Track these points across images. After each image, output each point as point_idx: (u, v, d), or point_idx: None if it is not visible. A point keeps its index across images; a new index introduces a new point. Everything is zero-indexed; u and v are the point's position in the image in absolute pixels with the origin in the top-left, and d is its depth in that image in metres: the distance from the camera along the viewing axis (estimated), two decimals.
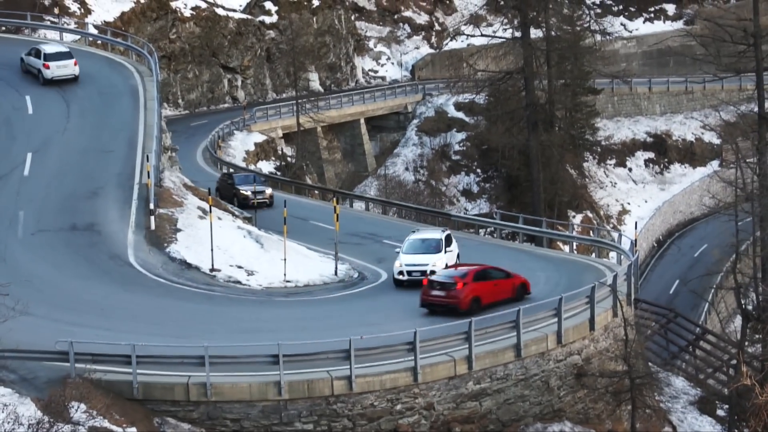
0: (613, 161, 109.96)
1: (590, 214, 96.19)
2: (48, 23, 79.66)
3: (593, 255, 58.73)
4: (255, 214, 59.21)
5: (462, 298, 42.37)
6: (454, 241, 50.26)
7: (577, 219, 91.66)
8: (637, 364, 41.74)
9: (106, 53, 72.52)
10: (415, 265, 47.74)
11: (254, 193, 64.91)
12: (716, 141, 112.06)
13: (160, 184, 52.35)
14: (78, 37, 77.13)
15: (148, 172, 50.34)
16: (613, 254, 56.71)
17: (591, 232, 70.17)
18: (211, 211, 49.26)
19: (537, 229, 62.75)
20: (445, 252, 48.57)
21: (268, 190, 67.27)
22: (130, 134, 56.65)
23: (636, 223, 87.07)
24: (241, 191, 65.84)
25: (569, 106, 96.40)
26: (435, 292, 42.87)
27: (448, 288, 42.67)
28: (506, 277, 44.44)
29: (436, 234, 49.81)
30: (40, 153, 54.10)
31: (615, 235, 61.58)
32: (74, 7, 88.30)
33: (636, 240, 60.17)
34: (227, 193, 66.45)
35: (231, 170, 76.44)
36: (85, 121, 58.48)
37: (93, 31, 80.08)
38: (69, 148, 55.15)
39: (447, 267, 46.43)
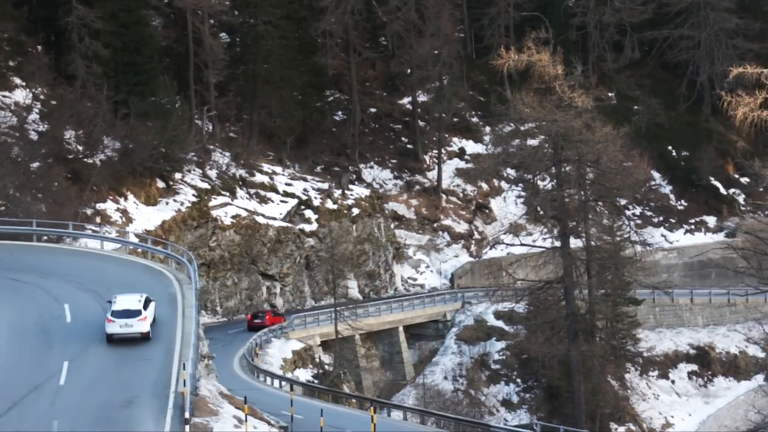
0: (656, 373, 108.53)
1: (633, 427, 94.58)
2: (89, 232, 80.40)
3: None
4: (291, 423, 58.18)
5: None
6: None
7: (620, 431, 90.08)
8: None
9: (146, 261, 72.92)
10: None
11: None
12: (761, 354, 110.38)
13: (196, 393, 51.76)
14: (119, 245, 77.66)
15: (185, 381, 49.88)
16: None
17: None
18: (246, 420, 48.68)
19: None
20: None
21: None
22: (167, 342, 56.44)
23: None
24: None
25: (610, 316, 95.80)
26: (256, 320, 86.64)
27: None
28: None
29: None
30: (76, 361, 53.82)
31: None
32: (116, 216, 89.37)
33: None
34: None
35: None
36: None
37: (134, 239, 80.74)
38: (105, 357, 54.91)
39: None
